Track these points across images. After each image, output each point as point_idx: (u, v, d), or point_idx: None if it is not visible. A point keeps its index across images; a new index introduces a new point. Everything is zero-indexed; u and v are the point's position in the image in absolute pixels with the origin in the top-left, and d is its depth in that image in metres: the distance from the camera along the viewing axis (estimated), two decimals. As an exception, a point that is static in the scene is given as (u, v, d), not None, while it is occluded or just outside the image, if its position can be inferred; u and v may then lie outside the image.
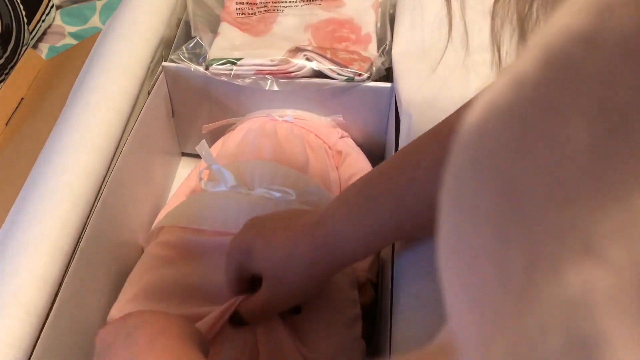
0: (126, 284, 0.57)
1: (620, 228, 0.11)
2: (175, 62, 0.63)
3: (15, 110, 0.78)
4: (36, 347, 0.43)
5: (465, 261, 0.16)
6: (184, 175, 0.70)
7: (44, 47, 0.90)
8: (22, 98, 0.79)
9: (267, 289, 0.47)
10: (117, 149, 0.55)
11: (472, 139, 0.15)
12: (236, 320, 0.49)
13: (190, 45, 0.63)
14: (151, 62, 0.61)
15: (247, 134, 0.65)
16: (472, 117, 0.15)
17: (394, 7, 0.71)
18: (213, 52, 0.63)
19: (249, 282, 0.50)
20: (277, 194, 0.57)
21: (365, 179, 0.46)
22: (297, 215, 0.49)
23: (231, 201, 0.58)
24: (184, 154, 0.76)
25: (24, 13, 0.87)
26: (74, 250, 0.48)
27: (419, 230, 0.46)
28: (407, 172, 0.43)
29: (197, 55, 0.62)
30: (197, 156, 0.75)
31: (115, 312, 0.55)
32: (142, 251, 0.61)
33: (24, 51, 0.86)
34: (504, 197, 0.14)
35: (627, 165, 0.12)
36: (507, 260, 0.14)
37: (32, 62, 0.84)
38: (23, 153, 0.70)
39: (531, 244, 0.13)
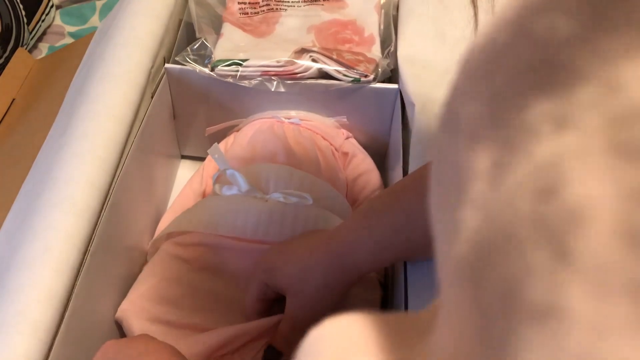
0: (139, 278, 0.56)
1: (596, 99, 0.13)
2: (179, 64, 0.62)
3: (6, 112, 0.77)
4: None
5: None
6: (184, 178, 0.70)
7: (43, 47, 0.89)
8: (14, 99, 0.78)
9: (289, 306, 0.48)
10: (120, 158, 0.55)
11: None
12: (271, 354, 0.50)
13: (195, 47, 0.62)
14: (152, 67, 0.60)
15: (255, 136, 0.64)
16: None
17: (396, 8, 0.70)
18: (218, 53, 0.63)
19: (270, 305, 0.52)
20: (294, 199, 0.57)
21: (379, 195, 0.50)
22: (316, 232, 0.52)
23: (249, 207, 0.57)
24: (183, 157, 0.76)
25: (23, 13, 0.86)
26: (81, 263, 0.47)
27: (432, 247, 0.47)
28: (418, 190, 0.44)
29: (202, 57, 0.62)
30: (197, 159, 0.74)
31: (126, 305, 0.54)
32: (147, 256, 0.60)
33: (24, 51, 0.85)
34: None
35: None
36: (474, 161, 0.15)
37: (22, 61, 0.82)
38: (15, 155, 0.69)
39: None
